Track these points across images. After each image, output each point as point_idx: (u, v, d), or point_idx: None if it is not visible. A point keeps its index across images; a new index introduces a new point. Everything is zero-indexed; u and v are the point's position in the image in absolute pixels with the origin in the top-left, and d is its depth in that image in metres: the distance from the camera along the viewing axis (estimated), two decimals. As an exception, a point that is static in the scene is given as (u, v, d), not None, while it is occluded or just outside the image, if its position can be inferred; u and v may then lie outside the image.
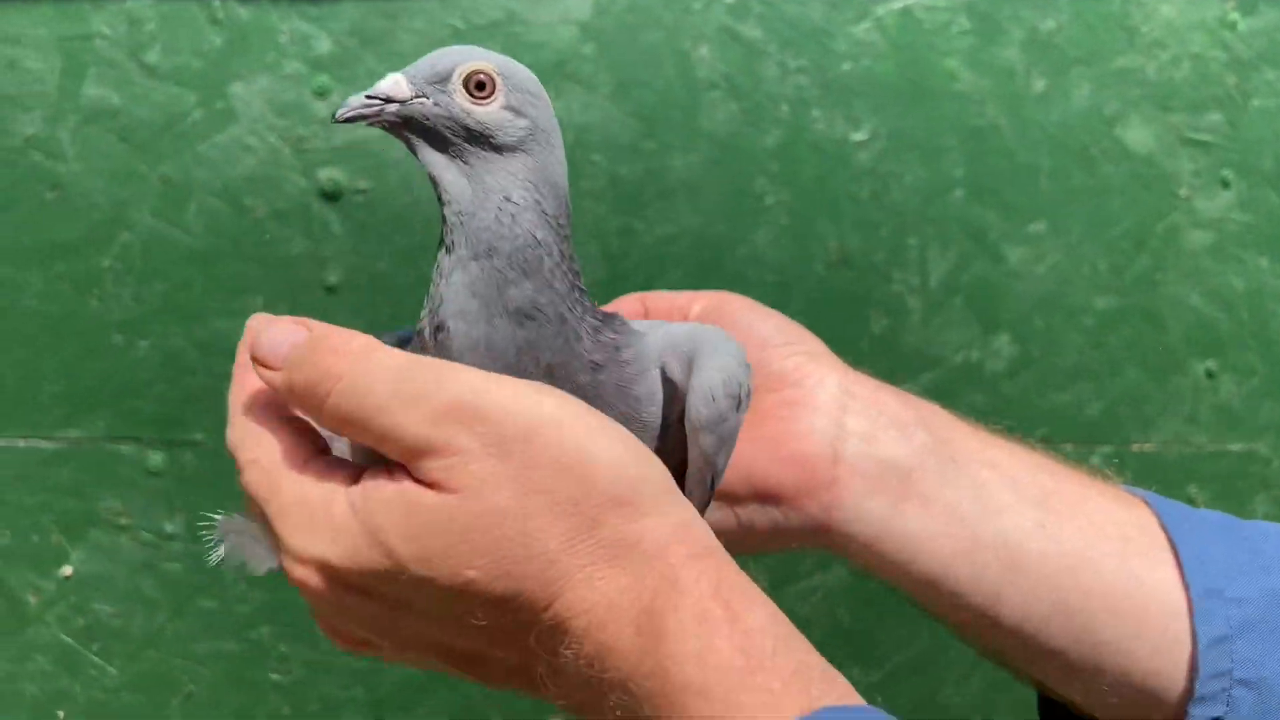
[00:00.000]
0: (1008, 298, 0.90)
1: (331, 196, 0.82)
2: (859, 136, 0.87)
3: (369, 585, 0.40)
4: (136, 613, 0.82)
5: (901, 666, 0.90)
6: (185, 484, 0.82)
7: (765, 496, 0.55)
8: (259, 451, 0.42)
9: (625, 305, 0.61)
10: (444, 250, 0.42)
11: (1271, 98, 0.92)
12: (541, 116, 0.44)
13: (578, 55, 0.83)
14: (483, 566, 0.38)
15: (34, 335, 0.80)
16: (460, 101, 0.42)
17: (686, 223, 0.86)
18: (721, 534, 0.42)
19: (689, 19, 0.84)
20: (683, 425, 0.45)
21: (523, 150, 0.43)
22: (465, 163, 0.42)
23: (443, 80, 0.42)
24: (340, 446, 0.45)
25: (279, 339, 0.42)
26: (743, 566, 0.40)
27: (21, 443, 0.81)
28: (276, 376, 0.42)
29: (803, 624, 0.39)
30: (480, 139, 0.42)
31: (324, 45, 0.81)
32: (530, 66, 0.82)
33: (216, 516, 0.46)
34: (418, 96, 0.41)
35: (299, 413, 0.43)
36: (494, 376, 0.40)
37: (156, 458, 0.82)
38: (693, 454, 0.45)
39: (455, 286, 0.41)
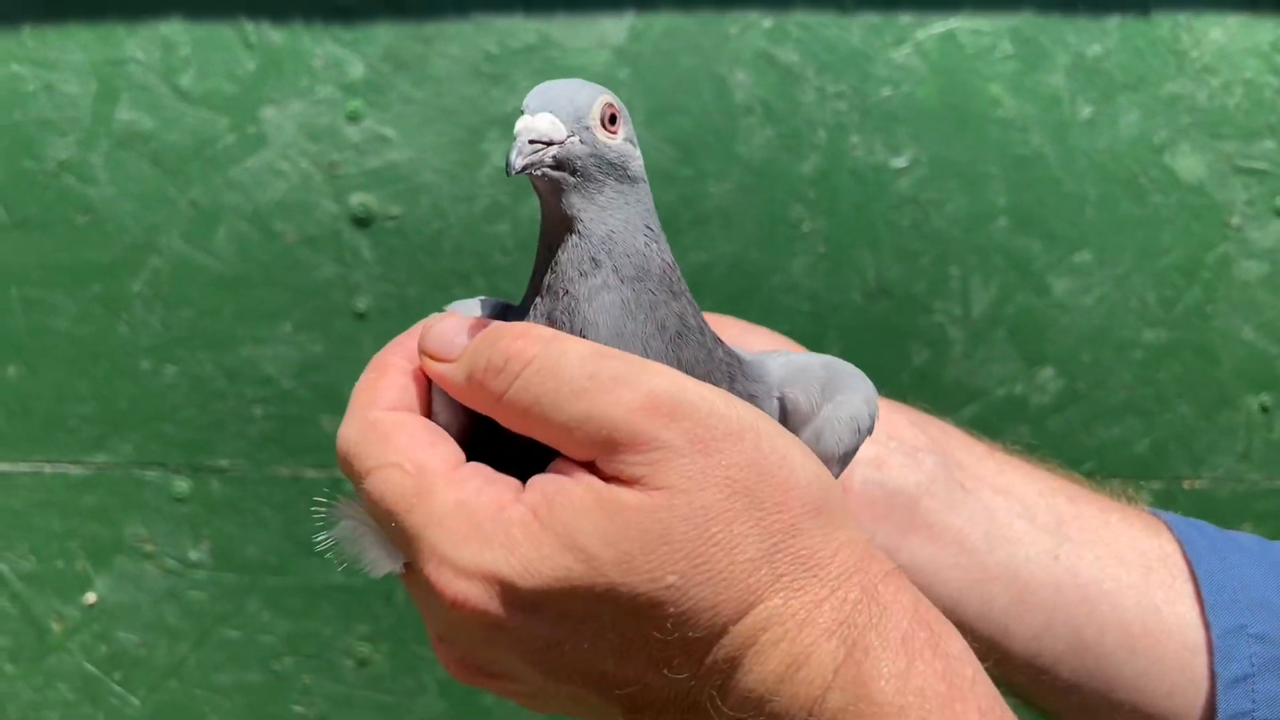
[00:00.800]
0: (1053, 330, 0.87)
1: (362, 222, 0.81)
2: (899, 163, 0.85)
3: (547, 601, 0.37)
4: (159, 642, 0.81)
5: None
6: (211, 511, 0.81)
7: None
8: (401, 455, 0.39)
9: None
10: (579, 275, 0.41)
11: (1328, 125, 0.90)
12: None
13: (613, 80, 0.82)
14: (685, 571, 0.36)
15: (63, 358, 0.80)
16: (600, 136, 0.41)
17: (721, 250, 0.84)
18: None
19: (726, 44, 0.83)
20: None
21: (642, 180, 0.43)
22: (600, 195, 0.41)
23: (583, 116, 0.41)
24: None
25: (453, 330, 0.41)
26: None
27: (48, 468, 0.80)
28: (450, 367, 0.40)
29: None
30: (615, 171, 0.41)
31: (357, 69, 0.80)
32: (564, 91, 0.82)
33: (327, 501, 0.43)
34: (570, 135, 0.40)
35: (471, 406, 0.40)
36: (686, 376, 0.39)
37: (182, 484, 0.81)
38: None
39: (606, 308, 0.40)
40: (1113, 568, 0.52)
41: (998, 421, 0.87)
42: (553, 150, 0.39)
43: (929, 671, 0.36)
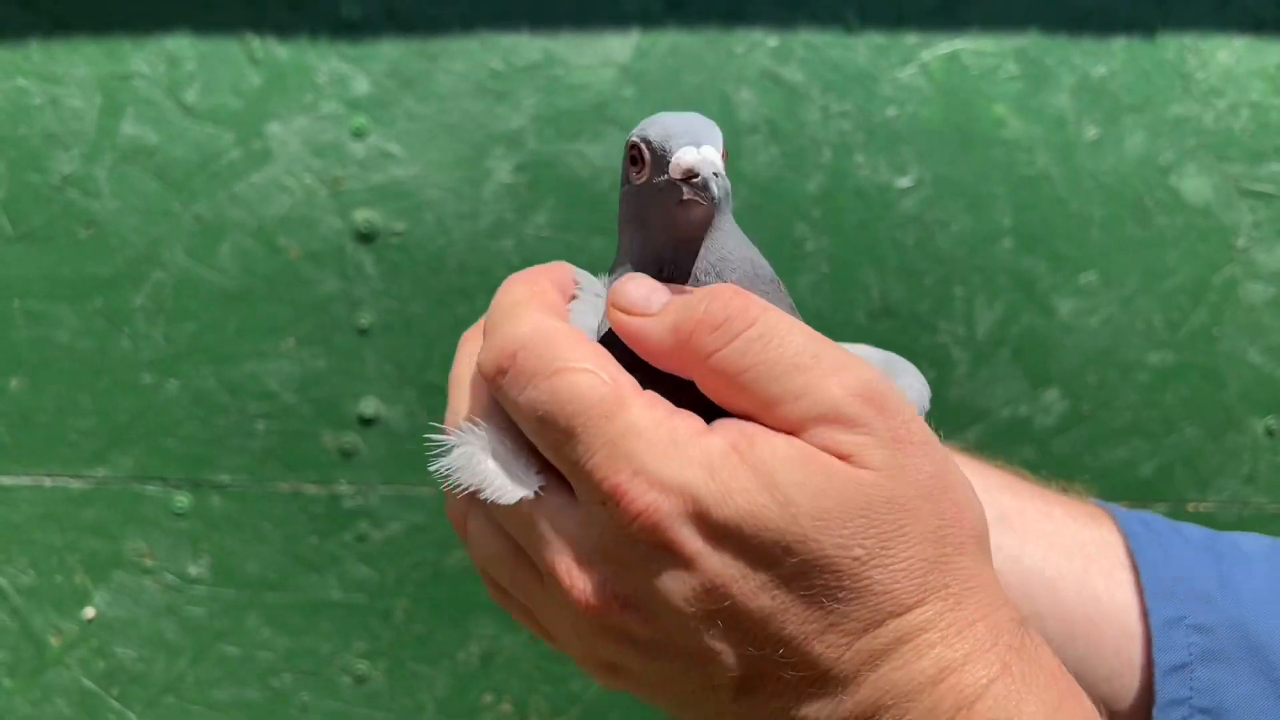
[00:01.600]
0: (1058, 351, 0.87)
1: (366, 238, 0.81)
2: (904, 183, 0.85)
3: (733, 534, 0.36)
4: (158, 657, 0.81)
5: None
6: (211, 526, 0.81)
7: None
8: (595, 363, 0.38)
9: None
10: (713, 278, 0.42)
11: (1335, 148, 0.89)
12: None
13: (618, 98, 0.82)
14: (872, 549, 0.36)
15: (65, 371, 0.80)
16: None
17: (725, 269, 0.84)
18: None
19: (731, 62, 0.83)
20: None
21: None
22: (723, 218, 0.43)
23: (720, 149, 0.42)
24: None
25: (650, 287, 0.40)
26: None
27: (49, 481, 0.80)
28: (651, 321, 0.39)
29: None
30: (729, 199, 0.42)
31: (362, 86, 0.80)
32: (570, 109, 0.82)
33: (451, 429, 0.41)
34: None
35: (665, 364, 0.39)
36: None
37: (183, 499, 0.80)
38: None
39: None
40: (1055, 558, 0.53)
41: (1002, 443, 0.86)
42: (722, 179, 0.40)
43: (1079, 710, 0.37)
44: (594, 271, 0.46)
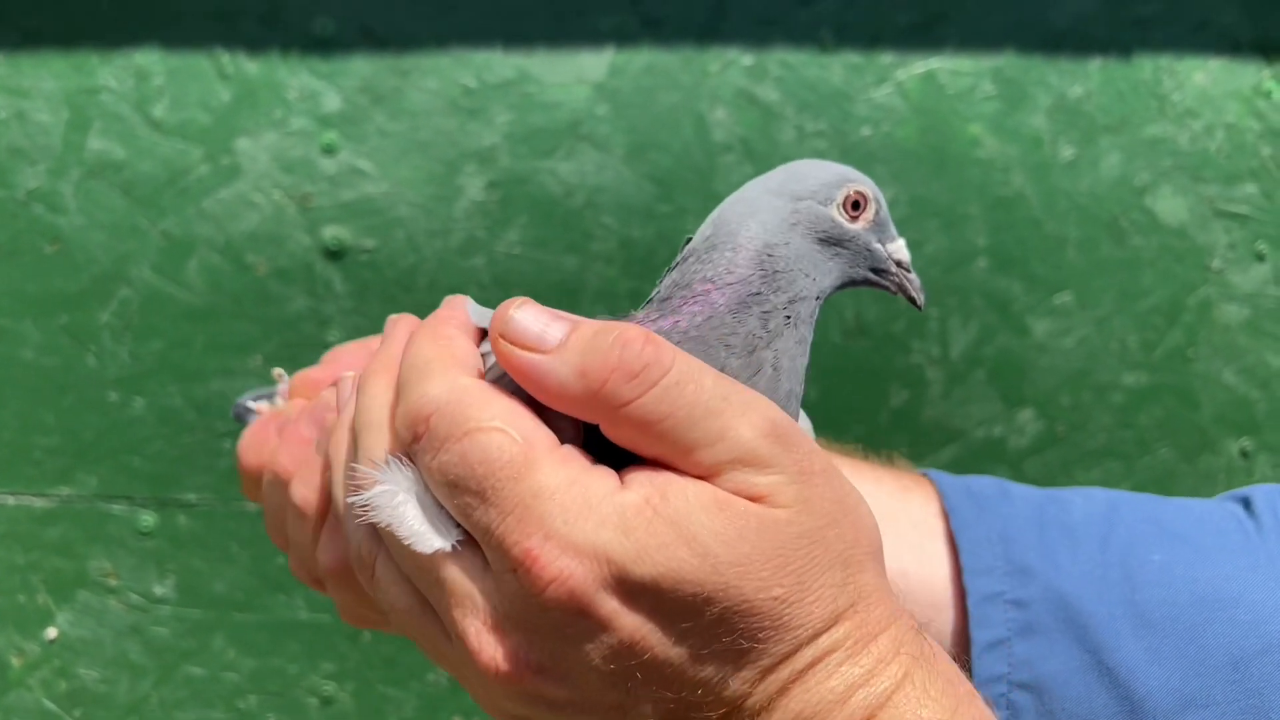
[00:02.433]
0: (1033, 372, 0.86)
1: (336, 255, 0.80)
2: (879, 203, 0.85)
3: (651, 591, 0.36)
4: (121, 678, 0.80)
5: None
6: (177, 546, 0.80)
7: None
8: (507, 422, 0.37)
9: None
10: (787, 323, 0.44)
11: (1310, 170, 0.89)
12: None
13: (592, 116, 0.82)
14: (790, 585, 0.37)
15: (29, 389, 0.79)
16: None
17: (699, 288, 0.83)
18: None
19: (706, 81, 0.83)
20: None
21: None
22: None
23: None
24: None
25: (545, 318, 0.38)
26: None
27: (11, 499, 0.79)
28: (550, 360, 0.37)
29: None
30: None
31: (333, 102, 0.80)
32: (543, 127, 0.81)
33: (369, 464, 0.39)
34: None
35: (567, 407, 0.38)
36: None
37: (148, 518, 0.79)
38: None
39: (791, 351, 0.44)
40: None
41: (976, 463, 0.86)
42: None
43: (977, 714, 0.38)
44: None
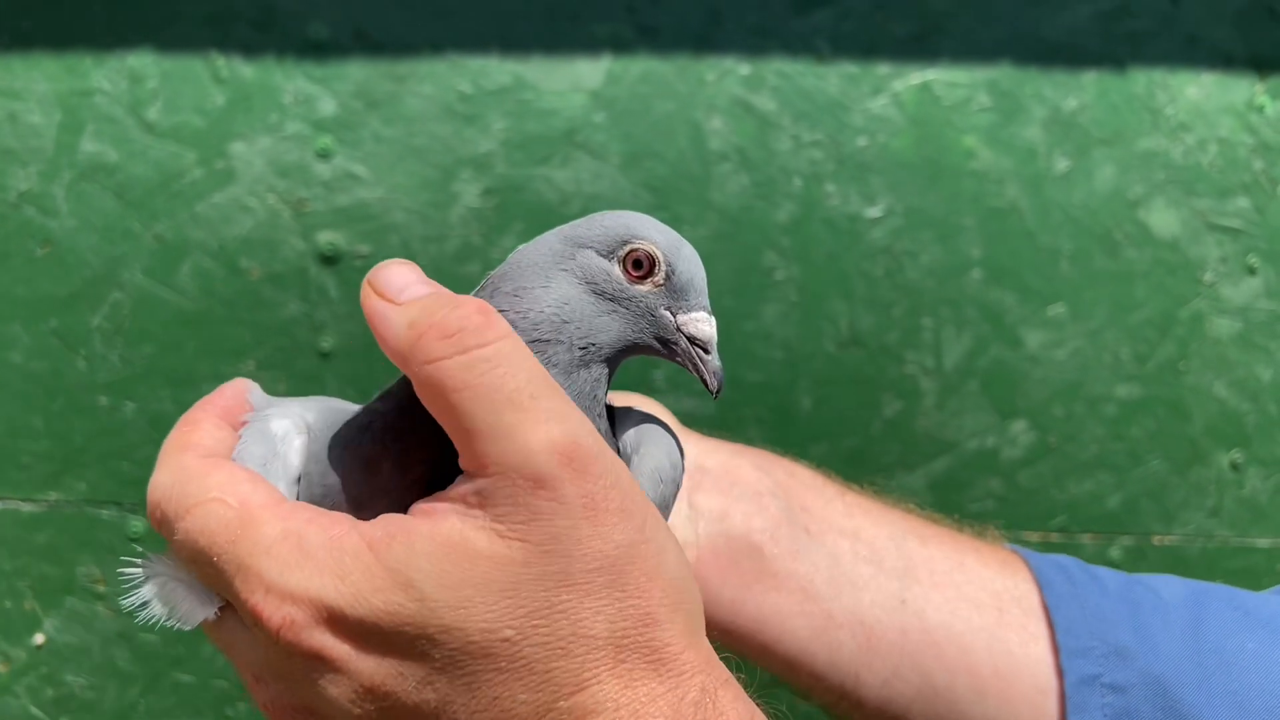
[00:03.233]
0: (1025, 383, 0.87)
1: (330, 260, 0.79)
2: (873, 213, 0.85)
3: (375, 634, 0.36)
4: (109, 685, 0.79)
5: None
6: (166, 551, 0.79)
7: None
8: (221, 491, 0.39)
9: None
10: (555, 368, 0.42)
11: (1301, 184, 0.90)
12: None
13: (589, 124, 0.81)
14: (523, 629, 0.35)
15: (18, 393, 0.78)
16: None
17: (694, 296, 0.83)
18: None
19: (702, 90, 0.82)
20: None
21: None
22: None
23: None
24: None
25: (410, 277, 0.39)
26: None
27: (-1, 504, 0.78)
28: (392, 308, 0.38)
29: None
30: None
31: (328, 107, 0.79)
32: (539, 134, 0.81)
33: (137, 558, 0.42)
34: None
35: (393, 358, 0.39)
36: (605, 442, 0.38)
37: (138, 523, 0.79)
38: None
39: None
40: (964, 610, 0.51)
41: (968, 474, 0.86)
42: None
43: None
44: None
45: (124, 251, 0.78)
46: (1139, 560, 0.89)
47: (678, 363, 0.42)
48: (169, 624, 0.40)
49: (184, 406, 0.78)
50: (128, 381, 0.78)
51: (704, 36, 0.82)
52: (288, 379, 0.79)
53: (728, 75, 0.83)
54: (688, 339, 0.42)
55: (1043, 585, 0.52)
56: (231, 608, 0.40)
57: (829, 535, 0.53)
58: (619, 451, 0.44)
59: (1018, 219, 0.86)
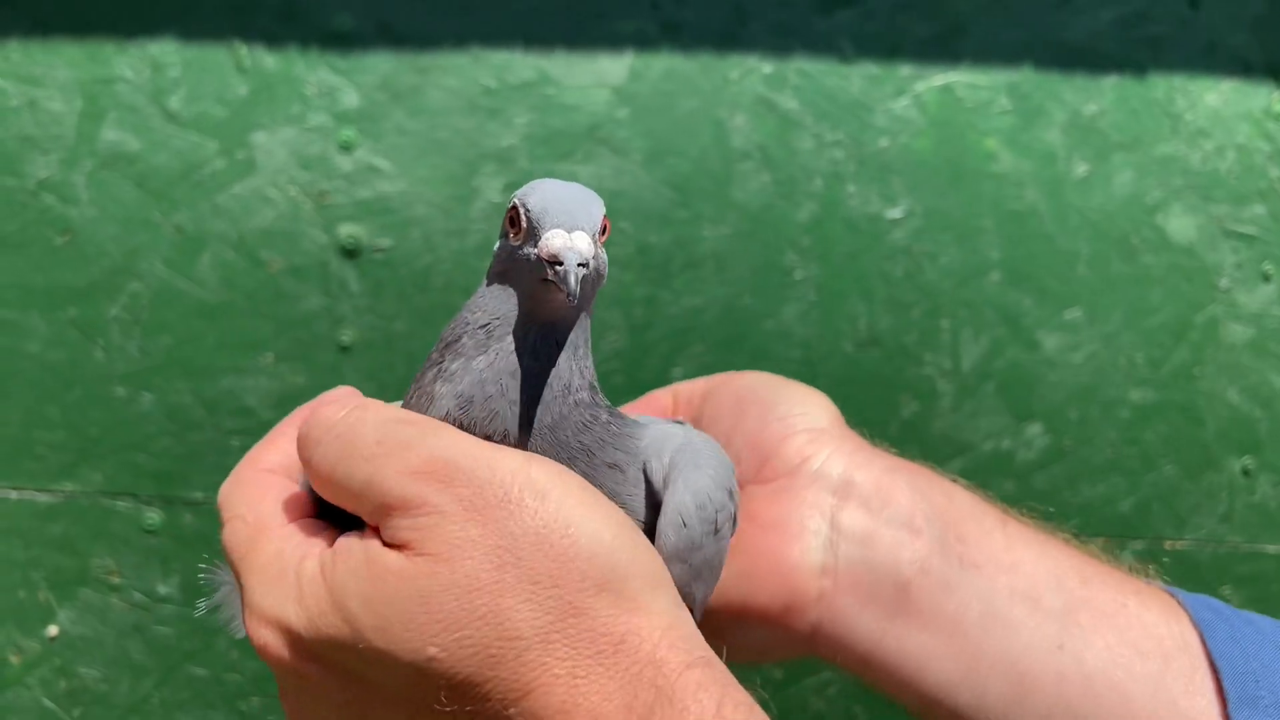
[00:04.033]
0: (1041, 386, 0.87)
1: (351, 253, 0.79)
2: (894, 214, 0.85)
3: (327, 655, 0.36)
4: (123, 678, 0.78)
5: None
6: (182, 544, 0.79)
7: (743, 615, 0.49)
8: (246, 507, 0.40)
9: (656, 400, 0.58)
10: (532, 359, 0.40)
11: (1316, 192, 0.90)
12: None
13: (611, 120, 0.81)
14: (446, 644, 0.34)
15: (34, 383, 0.77)
16: (599, 250, 0.41)
17: (714, 294, 0.83)
18: None
19: (726, 88, 0.82)
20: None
21: None
22: (586, 301, 0.42)
23: (596, 230, 0.40)
24: None
25: (327, 400, 0.42)
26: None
27: (14, 494, 0.77)
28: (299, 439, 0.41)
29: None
30: (600, 282, 0.42)
31: (351, 98, 0.79)
32: (562, 129, 0.81)
33: (213, 564, 0.44)
34: (595, 252, 0.40)
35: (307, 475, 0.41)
36: (483, 442, 0.37)
37: (154, 516, 0.78)
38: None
39: (529, 374, 0.41)
40: (1126, 657, 0.48)
41: (983, 476, 0.86)
42: (586, 270, 0.38)
43: None
44: None
45: (143, 241, 0.77)
46: (1149, 565, 0.89)
47: (559, 289, 0.39)
48: (231, 630, 0.42)
49: (202, 399, 0.78)
50: (145, 373, 0.78)
51: (728, 34, 0.82)
52: (307, 372, 0.79)
53: (751, 74, 0.83)
54: (546, 263, 0.38)
55: (1203, 630, 0.49)
56: None
57: (985, 569, 0.49)
58: (644, 474, 0.42)
59: (1037, 222, 0.86)
